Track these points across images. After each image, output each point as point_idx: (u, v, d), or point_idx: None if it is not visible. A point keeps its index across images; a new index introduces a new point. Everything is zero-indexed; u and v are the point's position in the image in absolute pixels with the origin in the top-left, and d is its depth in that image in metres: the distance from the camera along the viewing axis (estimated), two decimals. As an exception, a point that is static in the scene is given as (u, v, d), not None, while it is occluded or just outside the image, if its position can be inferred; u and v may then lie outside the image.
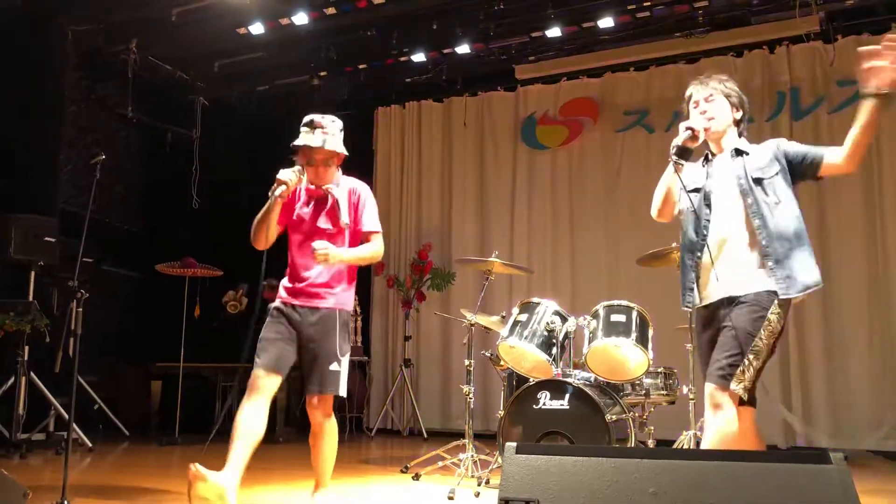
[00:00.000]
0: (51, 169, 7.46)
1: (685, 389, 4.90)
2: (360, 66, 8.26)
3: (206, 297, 7.59)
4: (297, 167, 3.44)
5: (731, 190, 2.93)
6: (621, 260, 7.07)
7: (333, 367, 3.45)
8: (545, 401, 4.55)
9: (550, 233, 7.92)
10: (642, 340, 4.46)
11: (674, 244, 4.99)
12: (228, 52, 8.12)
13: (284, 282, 3.63)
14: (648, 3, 6.83)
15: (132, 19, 7.34)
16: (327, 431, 3.53)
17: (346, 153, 3.62)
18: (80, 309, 3.66)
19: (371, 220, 3.58)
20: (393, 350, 8.46)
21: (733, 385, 2.76)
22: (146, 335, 8.64)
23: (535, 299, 4.86)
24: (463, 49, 7.53)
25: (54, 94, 7.57)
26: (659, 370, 4.91)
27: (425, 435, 7.76)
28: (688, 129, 2.93)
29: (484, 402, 7.67)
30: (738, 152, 3.00)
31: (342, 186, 3.63)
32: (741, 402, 2.80)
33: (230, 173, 9.03)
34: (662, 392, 4.91)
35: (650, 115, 7.61)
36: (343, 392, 3.49)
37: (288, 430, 7.63)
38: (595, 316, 4.66)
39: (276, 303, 3.64)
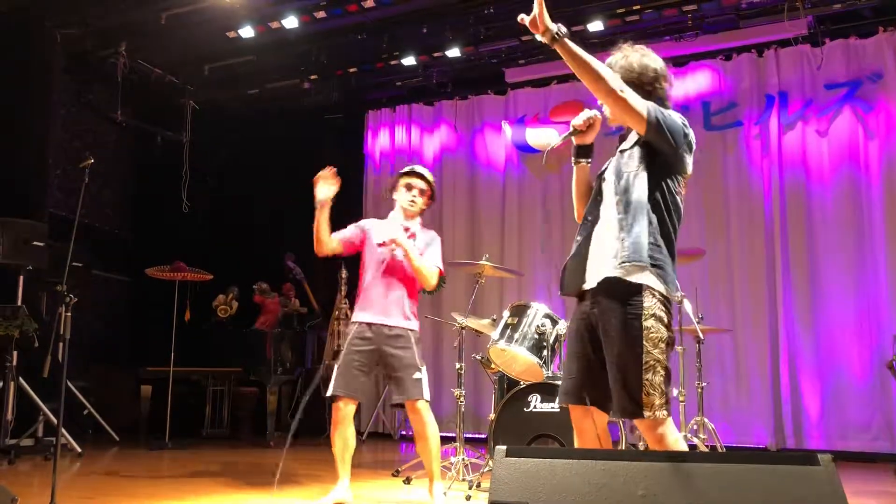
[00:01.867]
0: (40, 173, 7.43)
1: (675, 392, 4.91)
2: (351, 70, 8.27)
3: (197, 301, 7.56)
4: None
5: (613, 169, 2.75)
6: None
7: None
8: (536, 404, 4.56)
9: (541, 236, 7.94)
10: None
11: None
12: (218, 56, 8.11)
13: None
14: (638, 7, 6.86)
15: (121, 23, 7.32)
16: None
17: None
18: (69, 314, 3.64)
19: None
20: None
21: (646, 413, 2.51)
22: (136, 339, 8.60)
23: (526, 302, 4.87)
24: (453, 52, 7.54)
25: (43, 98, 7.54)
26: (649, 373, 4.92)
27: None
28: (572, 125, 2.79)
29: (475, 405, 7.67)
30: (622, 138, 2.82)
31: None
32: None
33: (220, 177, 9.03)
34: (653, 394, 4.91)
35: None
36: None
37: (278, 435, 7.61)
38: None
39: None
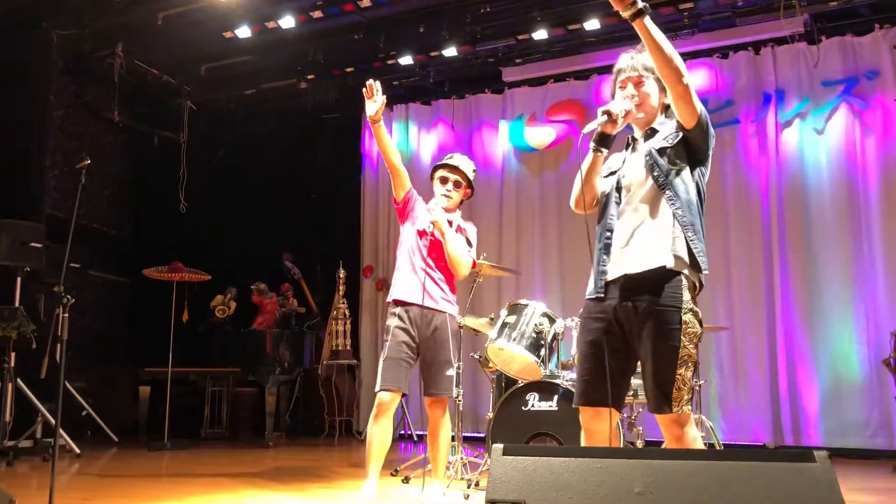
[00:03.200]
0: (37, 174, 7.44)
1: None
2: (348, 70, 8.26)
3: (195, 301, 7.57)
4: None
5: (641, 167, 2.73)
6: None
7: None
8: (534, 402, 4.57)
9: (539, 234, 7.94)
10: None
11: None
12: (215, 56, 8.11)
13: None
14: (634, 5, 6.85)
15: (118, 24, 7.33)
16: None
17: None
18: (67, 315, 3.64)
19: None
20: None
21: (674, 407, 2.56)
22: (134, 340, 8.61)
23: (524, 301, 4.87)
24: (450, 52, 7.54)
25: (40, 100, 7.55)
26: (647, 371, 4.92)
27: (415, 438, 7.76)
28: (604, 112, 2.70)
29: (473, 404, 7.68)
30: (652, 131, 2.78)
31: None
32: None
33: (218, 177, 9.02)
34: (651, 392, 4.91)
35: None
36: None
37: (277, 435, 7.62)
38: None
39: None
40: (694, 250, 2.67)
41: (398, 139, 8.81)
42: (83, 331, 7.62)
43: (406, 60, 7.82)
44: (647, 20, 2.54)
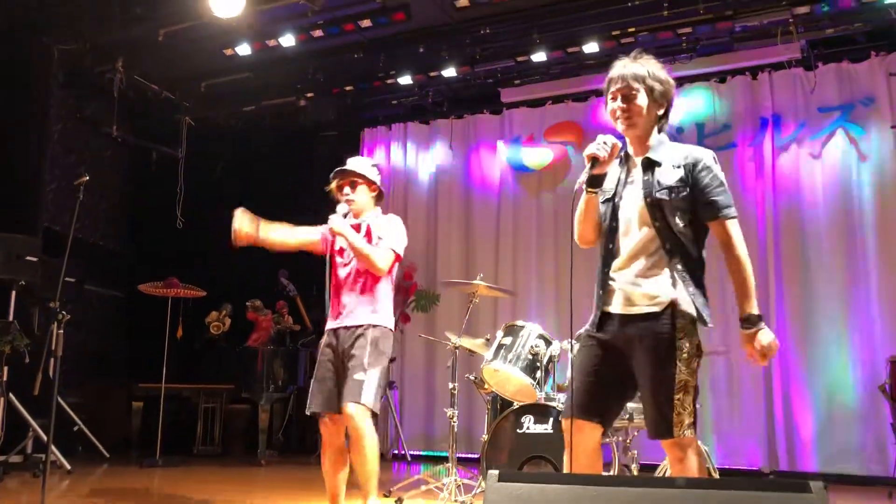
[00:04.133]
0: (34, 188, 7.43)
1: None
2: (347, 88, 8.29)
3: (190, 317, 7.55)
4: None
5: (640, 206, 2.68)
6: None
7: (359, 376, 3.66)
8: (529, 425, 4.55)
9: (535, 255, 7.94)
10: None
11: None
12: (215, 73, 8.13)
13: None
14: (633, 30, 6.91)
15: (119, 39, 7.34)
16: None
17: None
18: (62, 331, 3.63)
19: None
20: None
21: (676, 432, 2.55)
22: (128, 355, 8.57)
23: (520, 322, 4.87)
24: (449, 72, 7.57)
25: (39, 113, 7.55)
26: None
27: (409, 458, 7.72)
28: (591, 158, 2.66)
29: (468, 425, 7.64)
30: (650, 164, 2.70)
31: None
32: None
33: (215, 193, 9.01)
34: (646, 416, 4.89)
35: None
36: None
37: (270, 453, 7.57)
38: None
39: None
40: (697, 304, 2.62)
41: (396, 158, 8.81)
42: (77, 345, 7.59)
43: (405, 80, 7.85)
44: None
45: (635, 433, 5.00)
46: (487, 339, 5.13)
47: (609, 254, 2.75)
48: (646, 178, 2.69)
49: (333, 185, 4.01)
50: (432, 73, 7.80)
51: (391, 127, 8.94)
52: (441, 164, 8.65)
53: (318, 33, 7.09)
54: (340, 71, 7.96)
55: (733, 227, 2.67)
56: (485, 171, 8.45)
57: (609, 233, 2.75)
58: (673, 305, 2.60)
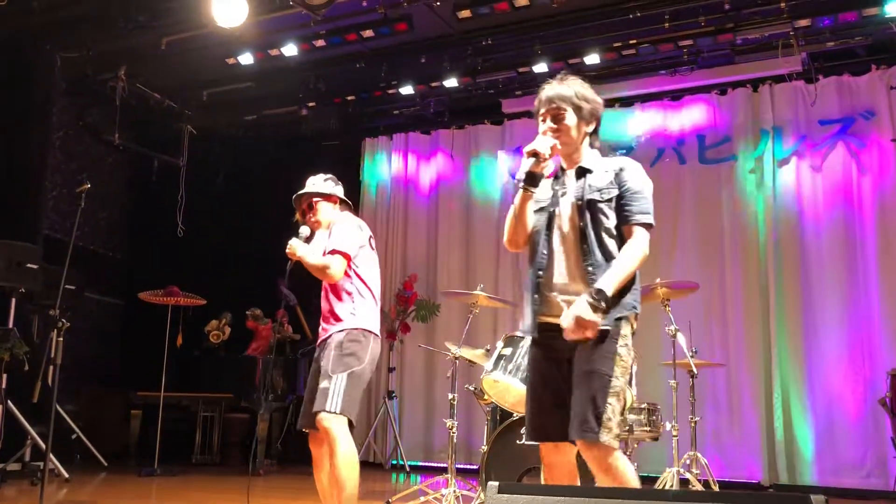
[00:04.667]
0: (35, 195, 7.43)
1: (668, 426, 4.89)
2: (349, 98, 8.30)
3: (189, 326, 7.53)
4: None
5: (571, 210, 2.76)
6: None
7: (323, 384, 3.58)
8: (528, 436, 4.52)
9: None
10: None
11: (657, 280, 5.03)
12: (217, 82, 8.15)
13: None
14: (634, 41, 6.92)
15: (121, 47, 7.35)
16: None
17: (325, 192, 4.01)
18: (61, 338, 3.62)
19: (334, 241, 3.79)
20: (376, 381, 8.39)
21: (603, 436, 2.50)
22: (127, 363, 8.56)
23: (520, 333, 4.83)
24: (451, 83, 7.58)
25: (41, 120, 7.56)
26: (642, 406, 4.90)
27: (408, 468, 7.69)
28: (531, 154, 2.75)
29: (467, 436, 7.62)
30: (582, 171, 2.80)
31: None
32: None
33: (216, 202, 9.03)
34: (646, 428, 4.88)
35: (635, 151, 7.68)
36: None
37: (268, 463, 7.54)
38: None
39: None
40: (631, 302, 2.68)
41: (397, 168, 8.82)
42: (76, 353, 7.58)
43: (407, 90, 7.86)
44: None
45: (635, 445, 4.98)
46: (487, 350, 5.12)
47: (542, 260, 2.79)
48: (578, 183, 2.79)
49: (297, 214, 4.02)
50: (434, 84, 7.82)
51: (392, 137, 8.95)
52: (442, 174, 8.66)
53: (320, 43, 7.11)
54: (342, 81, 7.97)
55: (640, 233, 2.70)
56: (486, 181, 8.46)
57: (544, 240, 2.80)
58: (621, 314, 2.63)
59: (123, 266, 8.84)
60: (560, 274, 2.75)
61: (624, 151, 7.71)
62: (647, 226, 2.72)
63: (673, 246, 7.34)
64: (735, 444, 6.82)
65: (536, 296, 2.78)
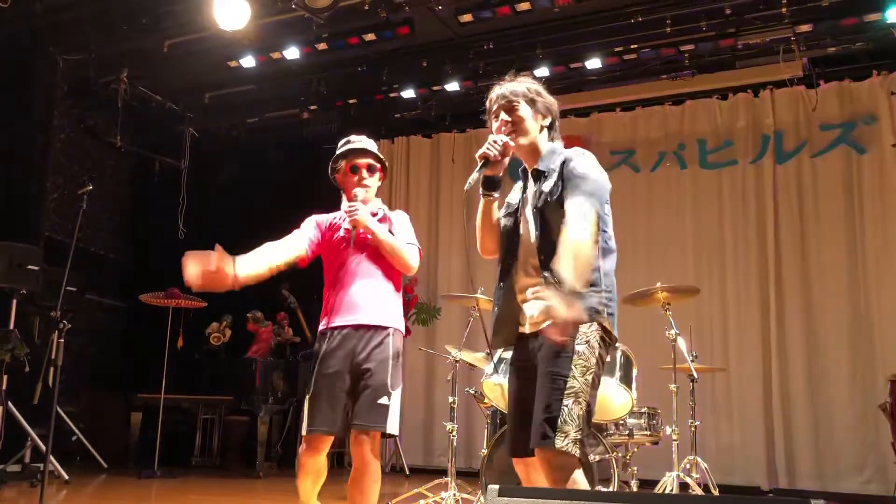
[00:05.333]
0: (37, 196, 7.45)
1: (668, 430, 4.89)
2: (350, 101, 8.31)
3: (190, 328, 7.53)
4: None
5: (532, 218, 2.66)
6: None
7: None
8: (528, 439, 4.52)
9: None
10: (626, 380, 4.46)
11: (658, 284, 5.03)
12: (219, 84, 8.17)
13: None
14: (635, 46, 6.93)
15: (124, 50, 7.37)
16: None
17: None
18: (62, 340, 3.62)
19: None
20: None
21: (558, 441, 2.34)
22: (128, 365, 8.55)
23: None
24: (452, 87, 7.59)
25: (44, 122, 7.58)
26: (643, 410, 4.90)
27: (407, 472, 7.69)
28: (481, 158, 2.62)
29: (467, 439, 7.61)
30: (538, 174, 2.67)
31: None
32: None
33: (217, 204, 9.03)
34: (646, 432, 4.88)
35: (636, 155, 7.70)
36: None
37: (268, 465, 7.54)
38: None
39: None
40: (592, 304, 2.48)
41: (398, 171, 8.81)
42: (76, 354, 7.59)
43: (408, 94, 7.87)
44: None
45: (635, 449, 4.99)
46: (488, 353, 5.12)
47: (509, 267, 2.71)
48: (535, 189, 2.68)
49: (342, 165, 3.40)
50: (435, 87, 7.83)
51: (394, 140, 8.96)
52: (443, 177, 8.66)
53: (322, 46, 7.13)
54: (344, 84, 7.98)
55: (573, 207, 2.48)
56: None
57: (511, 247, 2.71)
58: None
59: (124, 268, 8.84)
60: (523, 282, 2.66)
61: (625, 155, 7.73)
62: (588, 202, 2.50)
63: (674, 250, 7.35)
64: (735, 449, 6.82)
65: (504, 303, 2.71)
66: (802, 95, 7.14)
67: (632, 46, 6.95)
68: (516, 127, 2.67)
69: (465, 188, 2.59)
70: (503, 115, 2.69)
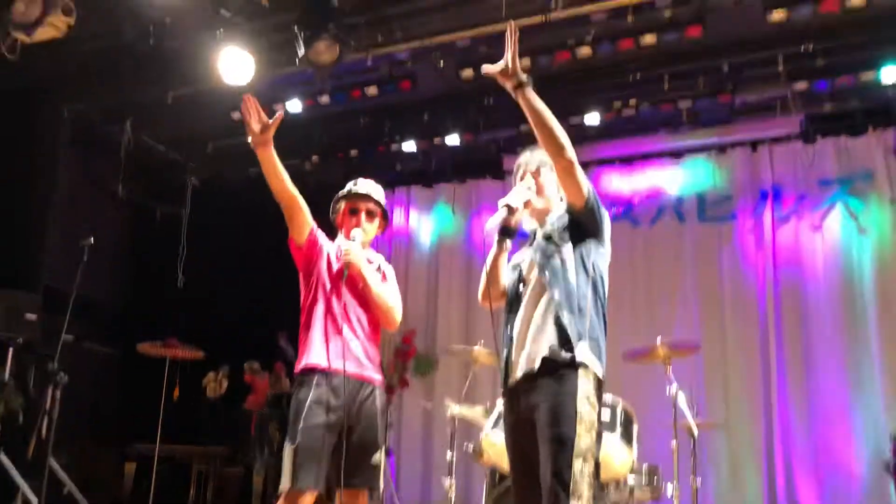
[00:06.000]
0: (37, 244, 7.45)
1: (669, 488, 4.82)
2: (352, 152, 8.37)
3: (187, 378, 7.47)
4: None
5: (535, 267, 2.78)
6: (606, 353, 7.00)
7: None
8: (528, 497, 4.45)
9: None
10: (627, 437, 4.41)
11: (658, 340, 5.01)
12: (222, 135, 8.24)
13: None
14: (634, 101, 7.02)
15: (128, 100, 7.46)
16: None
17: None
18: (59, 392, 3.59)
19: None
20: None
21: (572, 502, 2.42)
22: (123, 415, 8.45)
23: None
24: (453, 139, 7.66)
25: (46, 170, 7.63)
26: (643, 467, 4.84)
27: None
28: (505, 205, 2.80)
29: (466, 494, 7.48)
30: (546, 233, 2.85)
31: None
32: None
33: (217, 254, 9.03)
34: (646, 490, 4.81)
35: (635, 209, 7.73)
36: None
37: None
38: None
39: None
40: (574, 331, 2.60)
41: (397, 221, 8.86)
42: (71, 404, 7.45)
43: (409, 146, 7.93)
44: (530, 92, 2.67)
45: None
46: (487, 408, 5.07)
47: (511, 314, 2.83)
48: (542, 241, 2.83)
49: (343, 206, 3.44)
50: (436, 140, 7.89)
51: (394, 190, 9.00)
52: (443, 227, 8.69)
53: (324, 99, 7.20)
54: (346, 135, 8.06)
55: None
56: (487, 236, 8.46)
57: (514, 294, 2.85)
58: (571, 364, 2.58)
59: (123, 316, 8.80)
60: (524, 329, 2.75)
61: (623, 210, 7.76)
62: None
63: (673, 304, 7.33)
64: (736, 507, 6.72)
65: (508, 352, 2.79)
66: (800, 151, 7.20)
67: (630, 102, 7.03)
68: (539, 189, 2.89)
69: (486, 227, 2.78)
70: (529, 177, 2.91)
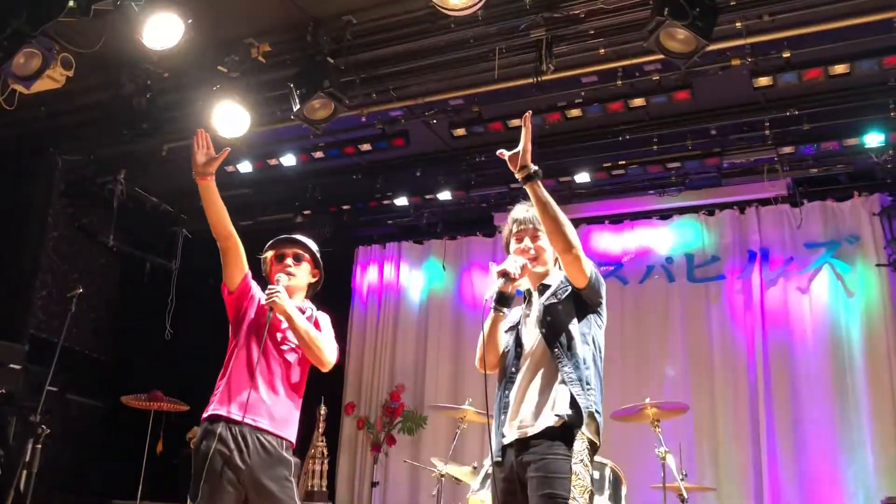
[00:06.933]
0: (24, 294, 7.40)
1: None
2: (344, 207, 8.43)
3: (171, 431, 7.36)
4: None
5: (536, 331, 2.81)
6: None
7: None
8: (515, 560, 4.38)
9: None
10: (615, 499, 4.36)
11: (647, 400, 4.99)
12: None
13: None
14: (623, 162, 7.12)
15: (123, 152, 7.50)
16: None
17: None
18: (39, 446, 3.54)
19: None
20: (359, 496, 8.17)
21: None
22: (104, 469, 8.29)
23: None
24: (444, 195, 7.73)
25: (37, 220, 7.62)
26: (632, 530, 4.78)
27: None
28: (501, 274, 2.79)
29: (451, 555, 7.35)
30: (544, 287, 2.87)
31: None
32: None
33: (206, 307, 8.96)
34: (636, 554, 4.74)
35: (624, 268, 7.77)
36: None
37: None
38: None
39: None
40: (581, 405, 2.62)
41: (388, 276, 8.87)
42: (52, 457, 7.34)
43: (401, 201, 8.00)
44: (538, 185, 2.67)
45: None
46: (475, 468, 5.02)
47: (510, 379, 2.81)
48: (540, 300, 2.84)
49: (270, 254, 3.41)
50: (428, 196, 7.97)
51: (385, 245, 9.04)
52: (433, 283, 8.69)
53: (318, 154, 7.29)
54: (338, 190, 8.13)
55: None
56: (476, 291, 8.48)
57: (513, 358, 2.83)
58: (568, 424, 2.59)
59: (108, 368, 8.70)
60: (521, 394, 2.74)
61: (613, 268, 7.80)
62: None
63: (662, 364, 7.31)
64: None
65: (503, 417, 2.77)
66: (787, 213, 7.29)
67: (620, 162, 7.13)
68: (537, 255, 2.88)
69: (485, 298, 2.81)
70: (527, 241, 2.89)
